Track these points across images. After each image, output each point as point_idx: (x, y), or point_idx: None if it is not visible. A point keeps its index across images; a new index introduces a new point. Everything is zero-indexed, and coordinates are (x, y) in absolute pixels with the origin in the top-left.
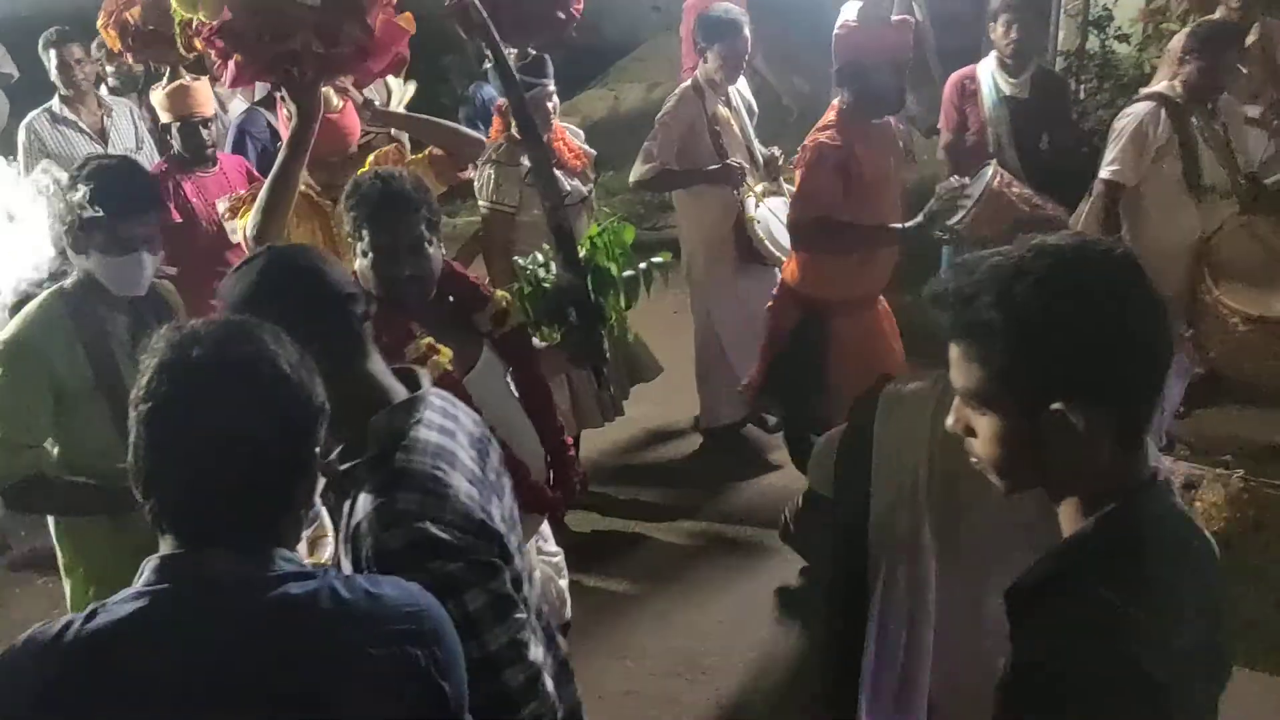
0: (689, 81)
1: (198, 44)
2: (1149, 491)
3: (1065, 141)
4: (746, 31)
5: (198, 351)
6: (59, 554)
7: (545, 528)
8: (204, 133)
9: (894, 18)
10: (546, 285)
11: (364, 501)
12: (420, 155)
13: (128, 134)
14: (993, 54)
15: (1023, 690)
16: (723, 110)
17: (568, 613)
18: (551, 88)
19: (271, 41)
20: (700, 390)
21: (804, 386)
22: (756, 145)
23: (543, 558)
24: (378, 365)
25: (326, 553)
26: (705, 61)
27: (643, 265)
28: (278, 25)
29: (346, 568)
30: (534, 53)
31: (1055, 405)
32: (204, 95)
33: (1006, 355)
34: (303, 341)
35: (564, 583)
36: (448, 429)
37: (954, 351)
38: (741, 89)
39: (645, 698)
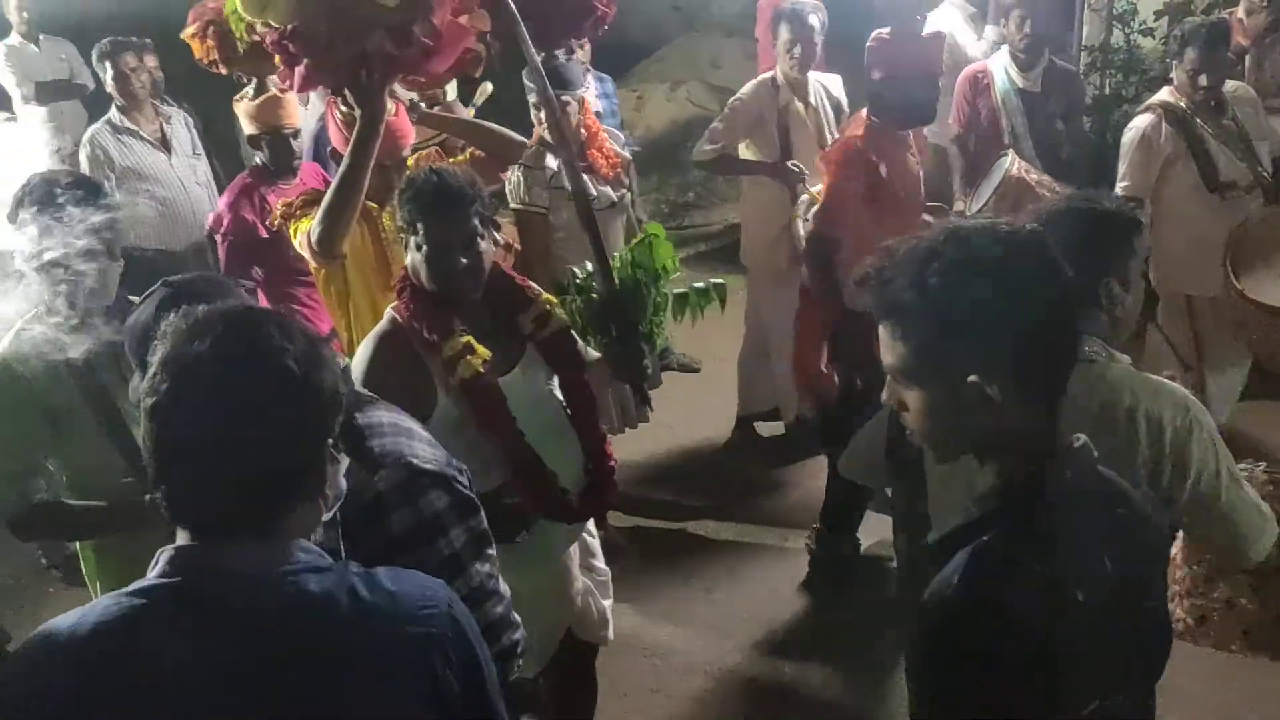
0: (769, 73)
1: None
2: (1065, 458)
3: (1077, 133)
4: (814, 21)
5: (199, 346)
6: (82, 563)
7: (596, 544)
8: (294, 144)
9: (925, 31)
10: (594, 295)
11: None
12: (461, 156)
13: (186, 141)
14: (1004, 48)
15: (922, 631)
16: (797, 106)
17: (609, 634)
18: (579, 95)
19: (344, 44)
20: (739, 375)
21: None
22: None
23: (593, 575)
24: None
25: None
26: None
27: (699, 285)
28: (352, 26)
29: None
30: (562, 60)
31: (971, 378)
32: (294, 107)
33: (923, 333)
34: None
35: (608, 603)
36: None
37: (881, 331)
38: (831, 86)
39: (670, 696)
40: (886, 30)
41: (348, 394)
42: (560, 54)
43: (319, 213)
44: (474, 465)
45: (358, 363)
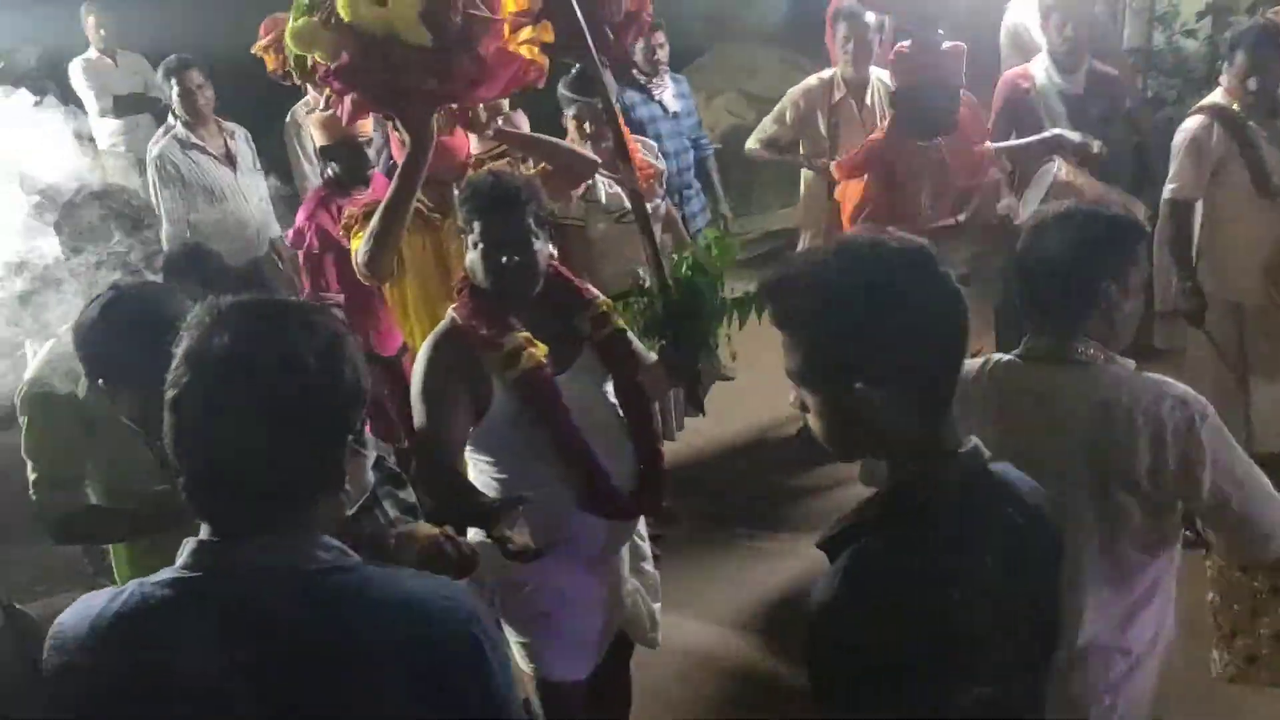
0: (830, 70)
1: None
2: (950, 461)
3: (1120, 135)
4: (870, 18)
5: (218, 340)
6: (114, 564)
7: (646, 547)
8: (368, 153)
9: (945, 45)
10: (651, 298)
11: None
12: (532, 171)
13: (248, 157)
14: (1044, 53)
15: (808, 630)
16: (850, 104)
17: (659, 636)
18: (599, 106)
19: (386, 80)
20: None
21: None
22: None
23: (643, 578)
24: None
25: None
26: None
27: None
28: (391, 65)
29: None
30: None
31: (857, 385)
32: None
33: (812, 342)
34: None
35: (657, 606)
36: None
37: (782, 338)
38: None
39: (699, 698)
40: (907, 43)
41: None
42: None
43: (366, 234)
44: (529, 461)
45: (419, 361)
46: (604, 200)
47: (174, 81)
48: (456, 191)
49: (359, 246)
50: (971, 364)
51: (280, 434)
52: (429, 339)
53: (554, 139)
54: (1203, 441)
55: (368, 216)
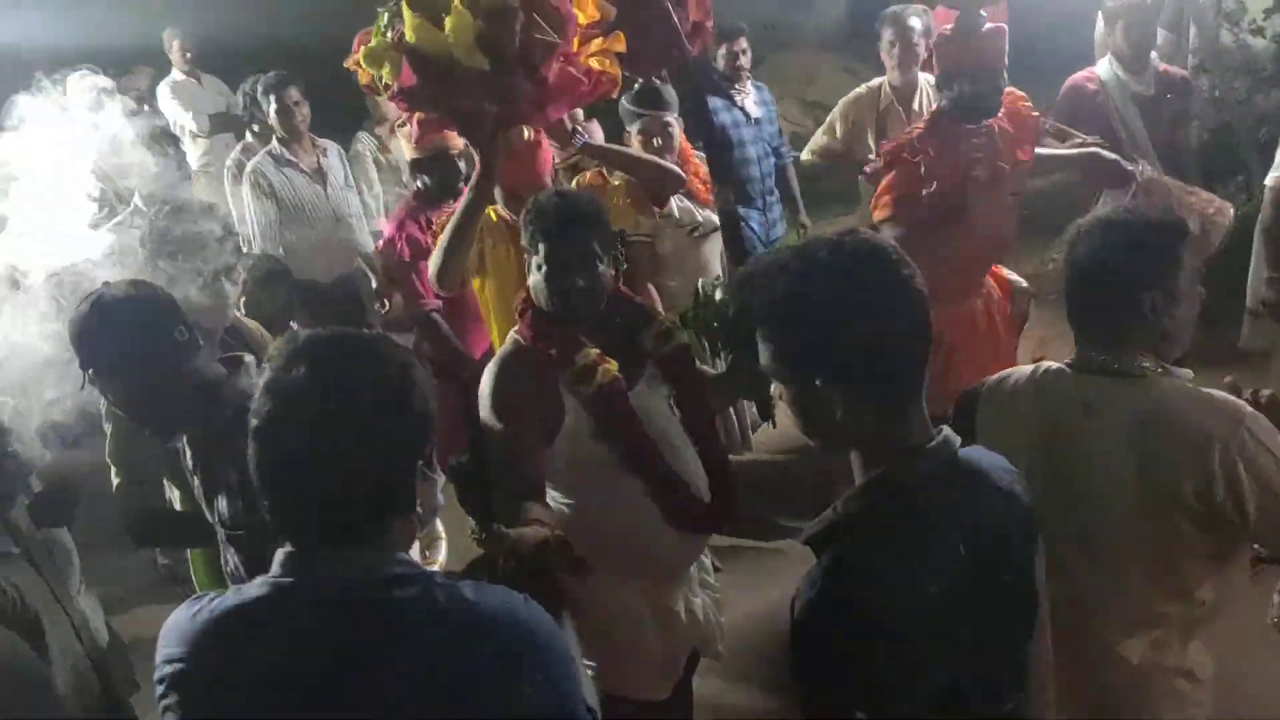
0: (879, 78)
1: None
2: (917, 457)
3: (1190, 136)
4: (915, 23)
5: (299, 371)
6: (193, 578)
7: (708, 561)
8: (459, 165)
9: (986, 26)
10: (718, 308)
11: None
12: (619, 183)
13: (339, 173)
14: (1109, 56)
15: (791, 632)
16: (897, 109)
17: (721, 648)
18: (668, 118)
19: (449, 103)
20: None
21: None
22: None
23: (708, 591)
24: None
25: (440, 554)
26: None
27: None
28: (451, 89)
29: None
30: (656, 83)
31: (817, 380)
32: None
33: (777, 338)
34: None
35: (723, 618)
36: None
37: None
38: None
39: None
40: (949, 26)
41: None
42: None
43: (436, 248)
44: (607, 481)
45: (484, 386)
46: (677, 214)
47: (273, 98)
48: None
49: (433, 257)
50: (1021, 370)
51: (355, 459)
52: (493, 363)
53: (640, 153)
54: (1252, 459)
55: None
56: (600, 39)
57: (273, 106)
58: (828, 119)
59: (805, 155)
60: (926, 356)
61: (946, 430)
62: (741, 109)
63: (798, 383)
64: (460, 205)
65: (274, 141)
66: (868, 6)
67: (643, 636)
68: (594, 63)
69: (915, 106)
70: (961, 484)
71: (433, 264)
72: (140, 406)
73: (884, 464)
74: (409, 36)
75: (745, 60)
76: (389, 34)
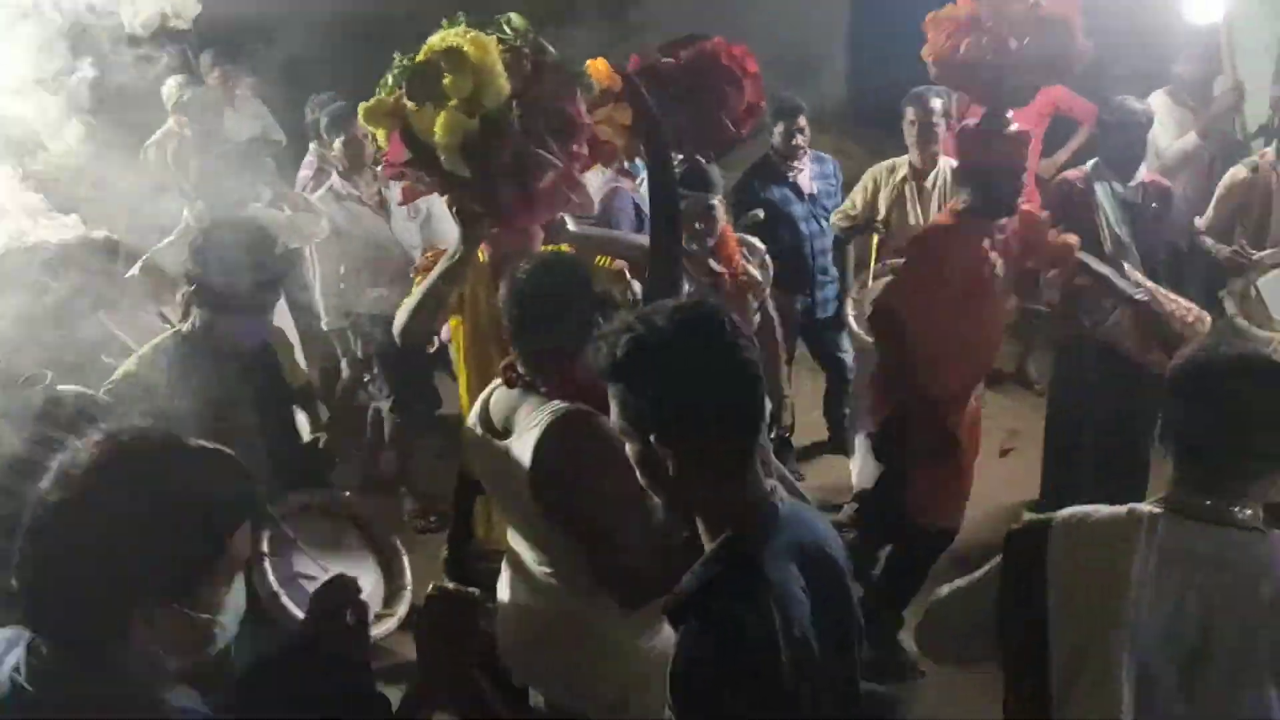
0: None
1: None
2: (760, 516)
3: (1167, 242)
4: (935, 104)
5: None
6: None
7: None
8: None
9: (1011, 128)
10: None
11: None
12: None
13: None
14: (1097, 159)
15: (675, 690)
16: (909, 186)
17: None
18: (713, 201)
19: (433, 187)
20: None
21: (886, 487)
22: None
23: None
24: None
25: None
26: None
27: None
28: (437, 179)
29: None
30: (703, 163)
31: (651, 438)
32: None
33: (617, 396)
34: None
35: None
36: None
37: None
38: None
39: None
40: (973, 120)
41: None
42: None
43: (405, 305)
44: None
45: (585, 454)
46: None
47: (340, 131)
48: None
49: (401, 309)
50: (1101, 510)
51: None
52: (581, 422)
53: (612, 233)
54: None
55: (430, 269)
56: (609, 106)
57: (339, 139)
58: (856, 187)
59: (834, 219)
60: (757, 424)
61: (774, 483)
62: (793, 184)
63: (637, 440)
64: (436, 270)
65: (334, 176)
66: (868, 89)
67: None
68: (599, 130)
69: (927, 185)
70: (795, 534)
71: (398, 319)
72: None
73: (727, 525)
74: (408, 112)
75: (802, 139)
76: (394, 92)
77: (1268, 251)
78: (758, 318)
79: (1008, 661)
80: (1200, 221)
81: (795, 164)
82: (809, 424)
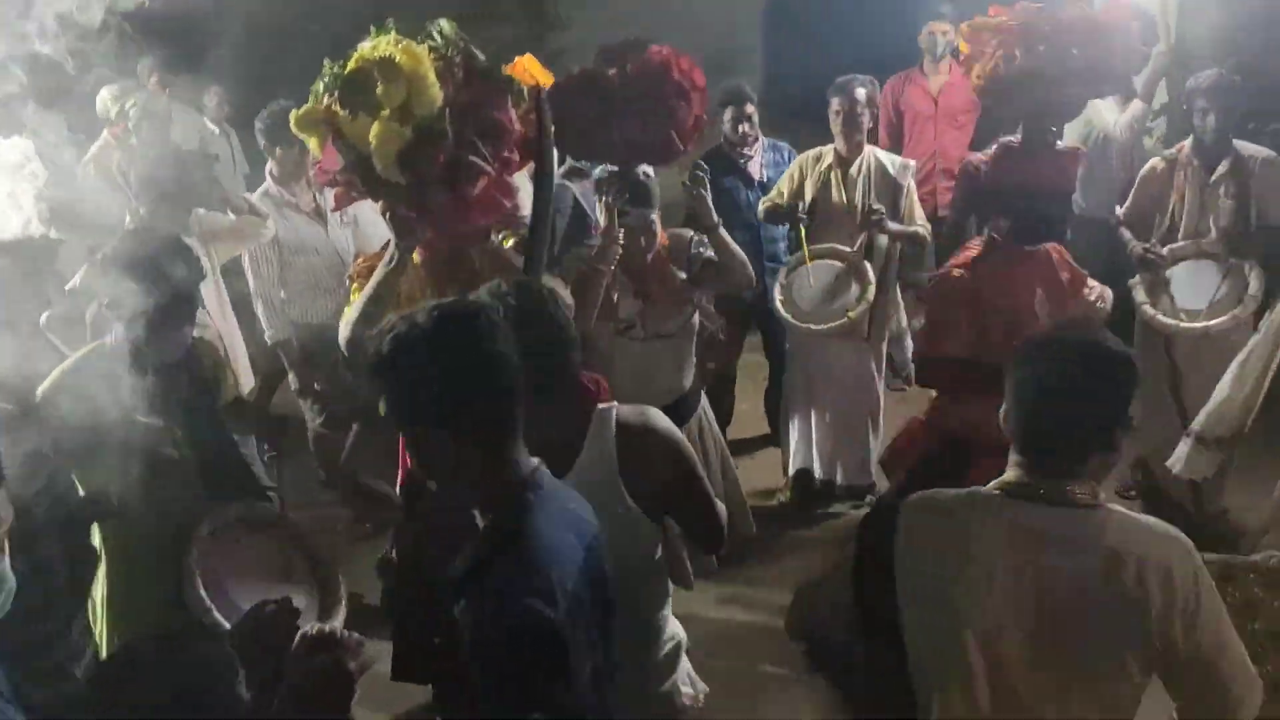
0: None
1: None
2: (519, 498)
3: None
4: (859, 94)
5: None
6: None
7: None
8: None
9: (1060, 144)
10: None
11: None
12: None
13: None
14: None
15: (473, 664)
16: (835, 175)
17: None
18: (652, 216)
19: (366, 193)
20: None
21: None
22: (868, 201)
23: None
24: None
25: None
26: None
27: None
28: (370, 185)
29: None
30: (644, 179)
31: (417, 427)
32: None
33: (382, 389)
34: None
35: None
36: None
37: None
38: (891, 165)
39: None
40: (1014, 138)
41: None
42: (641, 169)
43: (347, 318)
44: None
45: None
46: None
47: (278, 138)
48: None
49: (344, 320)
50: (947, 491)
51: None
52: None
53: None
54: (1203, 594)
55: (368, 271)
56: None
57: (279, 147)
58: (783, 175)
59: (762, 206)
60: (513, 411)
61: (536, 461)
62: (743, 172)
63: (404, 430)
64: (375, 279)
65: (269, 182)
66: (786, 80)
67: None
68: (528, 131)
69: (853, 171)
70: (559, 507)
71: (344, 331)
72: None
73: (491, 507)
74: (341, 121)
75: (748, 127)
76: (325, 99)
77: (1178, 244)
78: (696, 318)
79: (865, 639)
80: (1120, 210)
81: (745, 151)
82: (746, 416)
